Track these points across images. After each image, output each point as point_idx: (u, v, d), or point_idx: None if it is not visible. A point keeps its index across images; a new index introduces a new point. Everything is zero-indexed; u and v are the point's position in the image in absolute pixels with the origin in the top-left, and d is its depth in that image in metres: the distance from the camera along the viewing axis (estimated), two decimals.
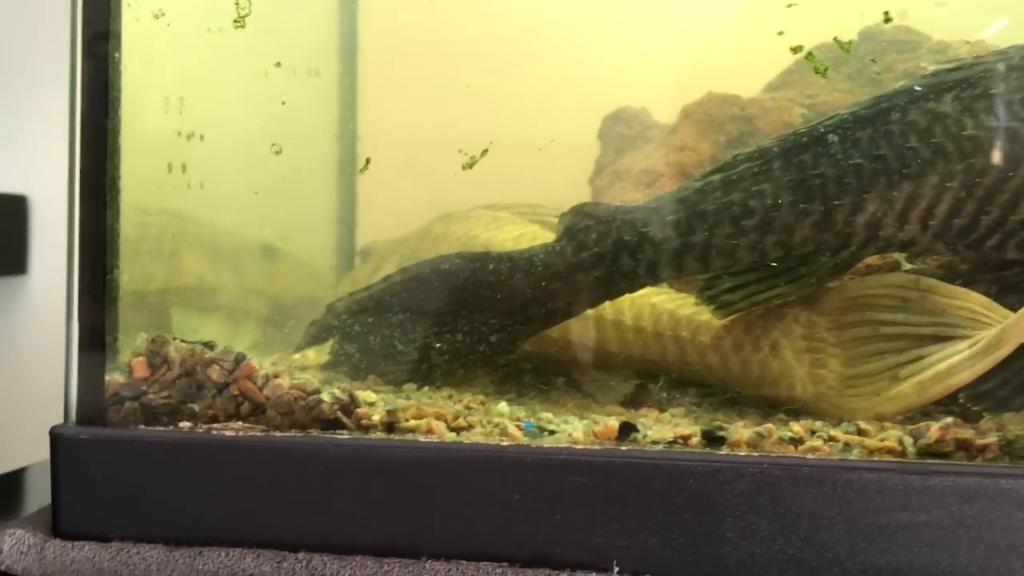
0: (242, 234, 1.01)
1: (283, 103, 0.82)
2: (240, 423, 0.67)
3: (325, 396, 0.68)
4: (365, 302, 0.84)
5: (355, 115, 1.26)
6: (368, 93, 1.25)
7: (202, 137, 0.83)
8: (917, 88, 0.73)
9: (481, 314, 0.81)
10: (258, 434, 0.66)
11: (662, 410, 0.76)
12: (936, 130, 0.71)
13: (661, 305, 0.83)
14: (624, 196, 1.00)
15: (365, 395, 0.71)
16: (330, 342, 0.87)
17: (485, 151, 0.81)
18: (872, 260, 0.80)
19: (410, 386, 0.80)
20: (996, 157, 0.70)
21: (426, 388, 0.79)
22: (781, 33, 0.76)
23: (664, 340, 0.82)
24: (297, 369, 0.76)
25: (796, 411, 0.74)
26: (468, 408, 0.74)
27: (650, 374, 0.84)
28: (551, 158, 1.07)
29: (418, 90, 1.11)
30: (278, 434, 0.66)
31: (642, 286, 0.80)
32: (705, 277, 0.78)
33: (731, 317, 0.78)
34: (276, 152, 0.80)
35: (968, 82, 0.71)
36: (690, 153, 1.01)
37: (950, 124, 0.71)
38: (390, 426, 0.68)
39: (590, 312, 0.83)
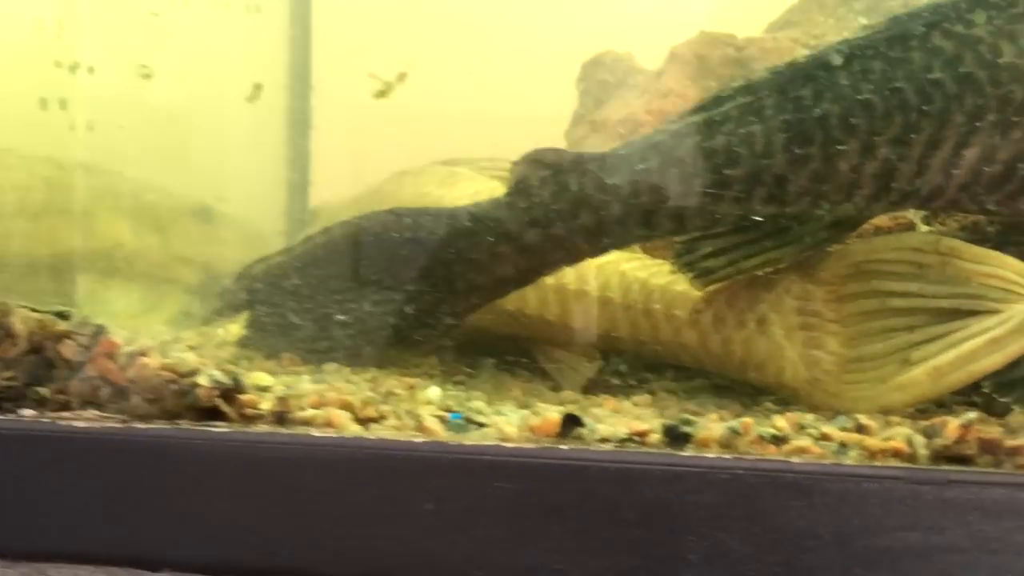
0: (160, 191, 0.90)
1: (155, 14, 0.70)
2: (96, 411, 0.57)
3: (202, 379, 0.57)
4: (280, 268, 0.73)
5: (308, 61, 1.16)
6: (324, 36, 1.16)
7: (91, 70, 0.71)
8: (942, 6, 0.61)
9: (415, 282, 0.71)
10: (115, 425, 0.57)
11: (626, 397, 0.66)
12: (966, 57, 0.62)
13: (632, 273, 0.75)
14: (601, 148, 0.89)
15: (259, 378, 0.61)
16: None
17: (403, 75, 0.70)
18: (881, 220, 0.71)
19: (331, 367, 0.70)
20: None
21: (347, 370, 0.69)
22: None
23: (634, 313, 0.74)
24: (186, 347, 0.65)
25: (786, 400, 0.66)
26: (390, 394, 0.63)
27: (618, 353, 0.76)
28: (524, 109, 0.99)
29: (382, 33, 1.01)
30: (140, 425, 0.57)
31: (608, 249, 0.72)
32: (682, 240, 0.70)
33: (712, 287, 0.70)
34: (144, 76, 0.68)
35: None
36: (676, 99, 0.92)
37: (983, 50, 0.62)
38: (281, 416, 0.57)
39: (548, 280, 0.75)
